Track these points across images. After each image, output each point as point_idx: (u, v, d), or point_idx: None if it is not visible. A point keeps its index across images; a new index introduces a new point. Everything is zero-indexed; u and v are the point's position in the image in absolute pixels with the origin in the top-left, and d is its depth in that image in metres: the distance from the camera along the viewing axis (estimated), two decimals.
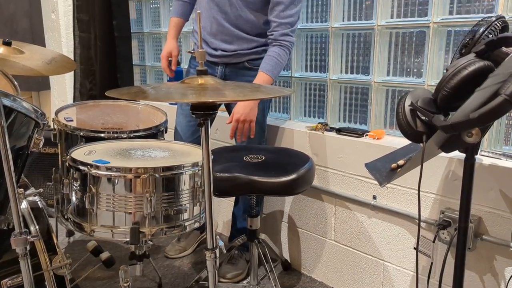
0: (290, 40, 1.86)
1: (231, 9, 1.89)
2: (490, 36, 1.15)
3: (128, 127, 1.99)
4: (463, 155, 1.12)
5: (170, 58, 2.12)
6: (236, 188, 1.60)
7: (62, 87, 3.41)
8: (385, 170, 1.19)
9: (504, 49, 0.99)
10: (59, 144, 1.84)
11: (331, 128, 2.04)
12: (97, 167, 1.31)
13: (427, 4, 1.72)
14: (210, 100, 0.98)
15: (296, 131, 2.10)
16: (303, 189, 1.66)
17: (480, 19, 1.19)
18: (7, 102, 1.15)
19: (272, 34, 1.86)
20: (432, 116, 0.96)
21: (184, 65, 2.68)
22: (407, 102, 1.01)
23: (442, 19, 1.69)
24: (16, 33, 3.31)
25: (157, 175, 1.32)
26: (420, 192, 1.66)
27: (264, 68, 1.84)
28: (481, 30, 1.16)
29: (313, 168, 1.71)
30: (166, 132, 1.89)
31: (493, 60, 1.04)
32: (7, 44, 1.85)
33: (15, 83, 1.49)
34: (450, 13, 1.68)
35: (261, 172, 1.59)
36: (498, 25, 1.17)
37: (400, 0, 1.81)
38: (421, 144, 1.02)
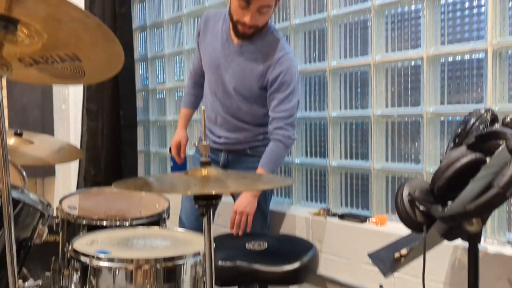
0: (284, 133, 1.88)
1: (231, 102, 1.99)
2: (481, 126, 1.21)
3: (131, 214, 2.00)
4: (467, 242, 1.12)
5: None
6: (239, 278, 1.57)
7: (67, 173, 3.47)
8: (389, 260, 1.18)
9: (494, 140, 1.04)
10: (61, 233, 1.84)
11: (333, 213, 2.04)
12: (99, 258, 1.30)
13: (419, 95, 1.81)
14: (213, 192, 1.00)
15: (299, 217, 2.10)
16: (307, 278, 1.63)
17: (470, 109, 1.27)
18: (15, 194, 1.18)
19: (268, 129, 1.93)
20: (431, 207, 0.98)
21: (189, 151, 2.76)
22: (405, 192, 1.04)
23: (434, 109, 1.77)
24: (27, 123, 3.44)
25: (158, 266, 1.30)
26: (428, 282, 1.62)
27: (261, 163, 1.91)
28: (472, 121, 1.22)
29: (316, 256, 1.69)
30: (168, 218, 1.89)
31: (485, 150, 1.08)
32: (18, 135, 1.93)
33: (24, 174, 1.53)
34: (442, 103, 1.77)
35: (264, 261, 1.57)
36: (488, 116, 1.23)
37: (394, 91, 1.91)
38: (422, 233, 1.03)
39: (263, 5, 1.77)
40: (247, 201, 1.88)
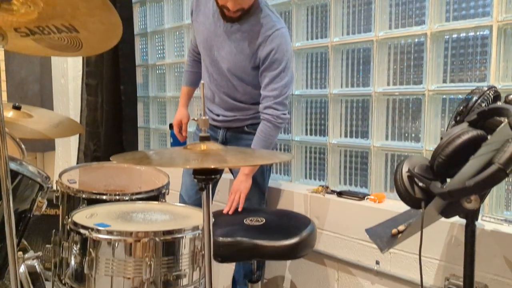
0: (272, 113, 1.86)
1: (226, 83, 1.98)
2: (483, 104, 1.20)
3: (131, 189, 2.01)
4: (465, 220, 1.12)
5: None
6: (240, 253, 1.58)
7: (67, 148, 3.47)
8: (386, 236, 1.19)
9: (497, 118, 1.03)
10: (61, 206, 1.85)
11: (332, 191, 2.05)
12: (98, 231, 1.31)
13: (422, 73, 1.79)
14: (212, 166, 1.00)
15: (297, 194, 2.10)
16: (306, 253, 1.64)
17: (473, 87, 1.25)
18: (13, 166, 1.18)
19: (259, 107, 1.92)
20: (430, 183, 0.98)
21: (190, 128, 2.75)
22: (405, 168, 1.03)
23: (437, 87, 1.75)
24: (26, 97, 3.42)
25: (157, 239, 1.31)
26: (424, 258, 1.64)
27: (253, 144, 1.92)
28: (474, 99, 1.21)
29: (315, 231, 1.71)
30: (168, 194, 1.90)
31: (486, 128, 1.07)
32: (17, 108, 1.91)
33: (22, 146, 1.53)
34: (444, 81, 1.75)
35: (264, 236, 1.58)
36: (491, 94, 1.22)
37: (396, 68, 1.89)
38: (420, 210, 1.03)
39: None
40: (239, 180, 1.89)
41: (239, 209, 1.89)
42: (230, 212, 1.88)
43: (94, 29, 1.06)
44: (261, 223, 1.73)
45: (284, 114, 1.88)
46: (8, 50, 1.14)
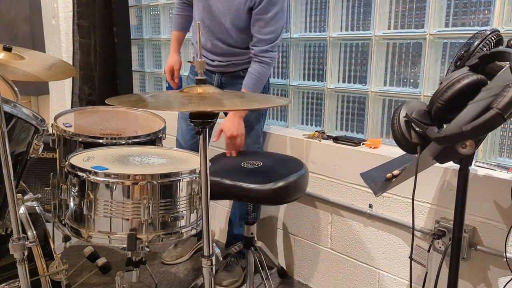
0: (269, 56, 1.88)
1: (220, 29, 1.94)
2: (485, 49, 1.17)
3: (127, 133, 2.01)
4: (458, 165, 1.14)
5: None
6: (220, 193, 1.60)
7: (61, 92, 3.42)
8: (380, 180, 1.20)
9: (497, 62, 1.01)
10: (57, 150, 1.85)
11: (328, 136, 2.06)
12: (96, 173, 1.32)
13: (424, 16, 1.74)
14: (209, 110, 0.99)
15: (293, 139, 2.11)
16: (291, 198, 1.65)
17: (475, 31, 1.22)
18: (7, 108, 1.16)
19: (252, 49, 1.89)
20: (426, 128, 0.98)
21: (184, 72, 2.70)
22: (402, 113, 1.03)
23: (438, 31, 1.71)
24: (16, 38, 3.32)
25: (154, 182, 1.33)
26: (416, 202, 1.68)
27: (245, 85, 1.90)
28: (476, 43, 1.18)
29: (304, 177, 1.70)
30: (164, 138, 1.90)
31: (487, 73, 1.06)
32: (8, 49, 1.86)
33: (15, 89, 1.50)
34: (446, 25, 1.70)
35: (248, 179, 1.60)
36: (493, 38, 1.19)
37: (397, 11, 1.83)
38: (415, 154, 1.04)
39: None
40: (235, 124, 1.88)
41: (241, 149, 1.91)
42: (234, 155, 1.89)
43: None
44: (257, 166, 1.75)
45: (277, 55, 1.92)
46: None
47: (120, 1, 2.91)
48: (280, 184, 1.58)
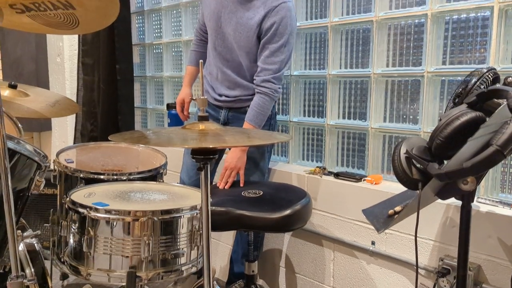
0: (271, 87, 1.88)
1: (232, 57, 1.97)
2: (482, 86, 1.20)
3: (128, 169, 2.01)
4: (460, 201, 1.13)
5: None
6: (227, 223, 1.59)
7: (64, 128, 3.45)
8: (383, 216, 1.20)
9: (495, 100, 1.03)
10: (58, 185, 1.85)
11: (329, 172, 2.06)
12: (96, 210, 1.32)
13: (421, 54, 1.78)
14: (211, 146, 1.00)
15: (294, 174, 2.11)
16: (296, 226, 1.65)
17: (472, 69, 1.25)
18: (11, 144, 1.17)
19: (255, 79, 1.92)
20: (427, 164, 0.98)
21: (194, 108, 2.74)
22: (403, 150, 1.04)
23: (436, 69, 1.74)
24: (21, 76, 3.38)
25: (155, 218, 1.32)
26: (419, 239, 1.66)
27: (247, 118, 1.92)
28: (473, 81, 1.21)
29: (308, 205, 1.70)
30: (165, 174, 1.90)
31: (485, 110, 1.07)
32: (13, 87, 1.90)
33: (19, 125, 1.52)
34: (443, 63, 1.74)
35: (254, 207, 1.59)
36: (490, 76, 1.21)
37: (395, 50, 1.88)
38: (417, 191, 1.04)
39: None
40: (236, 157, 1.90)
41: (241, 184, 1.91)
42: (227, 187, 1.89)
43: (91, 6, 1.05)
44: (258, 195, 1.74)
45: (280, 88, 1.92)
46: (3, 27, 1.12)
47: (123, 39, 2.99)
48: (288, 212, 1.59)
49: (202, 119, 1.13)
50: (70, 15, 1.07)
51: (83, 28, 1.14)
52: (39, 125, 3.59)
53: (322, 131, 2.16)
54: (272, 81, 1.88)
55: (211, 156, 1.07)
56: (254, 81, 1.92)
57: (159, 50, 3.06)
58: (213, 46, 2.03)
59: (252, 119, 1.91)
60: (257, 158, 2.01)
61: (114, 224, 1.31)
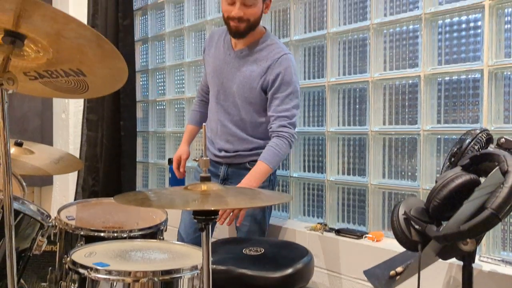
0: (288, 131, 1.88)
1: (235, 110, 2.01)
2: (476, 147, 1.23)
3: (128, 225, 2.01)
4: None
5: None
6: (230, 282, 1.57)
7: (65, 183, 3.47)
8: (384, 277, 1.19)
9: (488, 163, 1.06)
10: (58, 243, 1.84)
11: (330, 228, 2.05)
12: (97, 270, 1.31)
13: (416, 113, 1.84)
14: (212, 208, 1.02)
15: (296, 231, 2.11)
16: (299, 285, 1.62)
17: (466, 128, 1.29)
18: (15, 205, 1.19)
19: (270, 128, 1.92)
20: (426, 226, 1.00)
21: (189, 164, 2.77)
22: (401, 211, 1.06)
23: (432, 127, 1.80)
24: (25, 131, 3.45)
25: (156, 279, 1.31)
26: None
27: (262, 157, 1.88)
28: (467, 141, 1.25)
29: (310, 264, 1.67)
30: (166, 230, 1.90)
31: (480, 170, 1.10)
32: (19, 145, 1.94)
33: (23, 184, 1.55)
34: (438, 122, 1.79)
35: (255, 266, 1.57)
36: (483, 137, 1.26)
37: (391, 108, 1.94)
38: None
39: None
40: None
41: (238, 223, 1.86)
42: (228, 225, 1.85)
43: (101, 73, 1.11)
44: (260, 253, 1.72)
45: (296, 134, 1.92)
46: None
47: (128, 97, 3.08)
48: (289, 271, 1.57)
49: (204, 179, 1.16)
50: (81, 81, 1.13)
51: (92, 93, 1.20)
52: (41, 180, 3.61)
53: (322, 186, 2.18)
54: (288, 126, 1.89)
55: (213, 217, 1.08)
56: (270, 129, 1.92)
57: (162, 106, 3.15)
58: (216, 100, 2.07)
59: (268, 158, 1.86)
60: (257, 214, 2.01)
61: (115, 284, 1.29)
